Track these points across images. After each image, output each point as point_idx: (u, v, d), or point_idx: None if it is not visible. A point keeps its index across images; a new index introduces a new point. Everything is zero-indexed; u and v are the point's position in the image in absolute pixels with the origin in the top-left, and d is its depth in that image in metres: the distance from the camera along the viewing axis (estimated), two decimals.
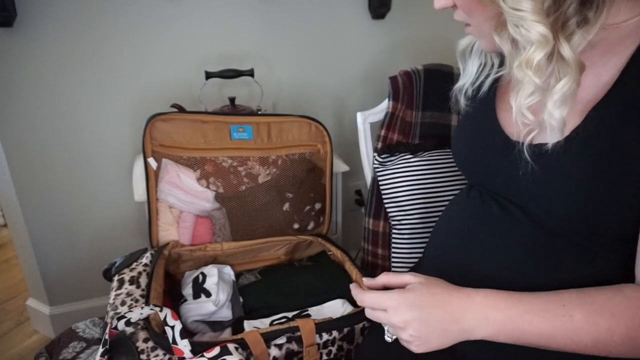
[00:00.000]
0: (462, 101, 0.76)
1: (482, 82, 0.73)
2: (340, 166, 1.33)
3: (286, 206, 1.18)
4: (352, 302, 0.96)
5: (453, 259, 0.69)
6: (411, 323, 0.57)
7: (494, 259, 0.63)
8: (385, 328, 0.62)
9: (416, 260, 1.11)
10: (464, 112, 0.76)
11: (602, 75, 0.54)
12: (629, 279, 0.55)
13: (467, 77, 0.74)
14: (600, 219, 0.54)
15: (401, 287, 0.61)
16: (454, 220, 0.73)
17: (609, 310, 0.52)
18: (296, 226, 1.20)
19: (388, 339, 0.62)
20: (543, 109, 0.53)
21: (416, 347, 0.58)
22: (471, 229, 0.68)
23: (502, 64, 0.71)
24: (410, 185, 1.11)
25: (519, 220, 0.62)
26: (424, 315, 0.57)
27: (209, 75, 1.26)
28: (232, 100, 1.27)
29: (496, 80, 0.71)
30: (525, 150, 0.58)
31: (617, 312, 0.52)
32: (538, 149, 0.58)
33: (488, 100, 0.71)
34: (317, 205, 1.21)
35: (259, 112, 1.31)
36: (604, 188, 0.53)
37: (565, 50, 0.51)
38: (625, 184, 0.52)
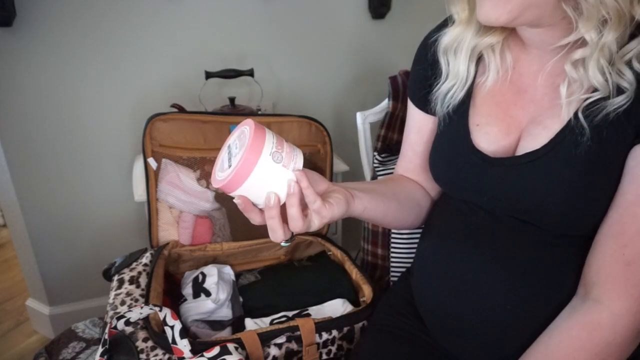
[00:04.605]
0: (438, 108, 0.69)
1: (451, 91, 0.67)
2: (340, 166, 1.33)
3: None
4: (352, 301, 0.96)
5: (441, 268, 0.69)
6: None
7: (480, 261, 0.64)
8: None
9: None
10: (437, 128, 0.72)
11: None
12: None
13: (456, 80, 0.66)
14: (583, 219, 0.56)
15: None
16: (439, 226, 0.73)
17: (593, 354, 0.53)
18: None
19: None
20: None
21: None
22: (456, 235, 0.68)
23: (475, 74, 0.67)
24: None
25: (500, 222, 0.62)
26: None
27: (209, 75, 1.26)
28: (232, 100, 1.27)
29: (467, 95, 0.66)
30: (511, 163, 0.59)
31: (598, 350, 0.53)
32: (525, 159, 0.58)
33: (460, 117, 0.66)
34: None
35: (259, 112, 1.31)
36: (592, 188, 0.54)
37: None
38: (606, 185, 0.54)
